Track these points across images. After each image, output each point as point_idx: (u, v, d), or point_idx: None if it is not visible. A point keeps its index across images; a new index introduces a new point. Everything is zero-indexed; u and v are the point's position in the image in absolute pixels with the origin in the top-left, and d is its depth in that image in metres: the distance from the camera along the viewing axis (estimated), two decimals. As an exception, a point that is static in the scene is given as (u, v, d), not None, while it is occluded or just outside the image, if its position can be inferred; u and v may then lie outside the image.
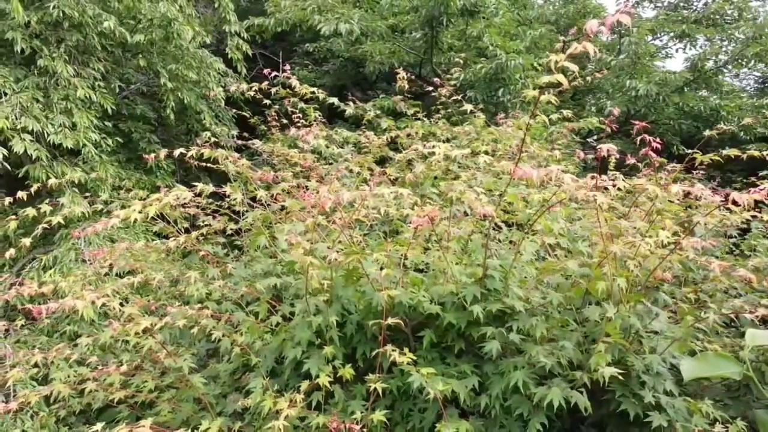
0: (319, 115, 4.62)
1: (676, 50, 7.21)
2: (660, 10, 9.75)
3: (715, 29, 7.47)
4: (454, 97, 4.20)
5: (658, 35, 7.73)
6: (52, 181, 2.90)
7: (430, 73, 6.56)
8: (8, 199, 2.77)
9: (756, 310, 1.80)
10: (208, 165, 3.28)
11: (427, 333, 1.73)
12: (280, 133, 5.57)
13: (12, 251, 2.70)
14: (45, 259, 4.85)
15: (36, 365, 2.74)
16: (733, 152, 2.21)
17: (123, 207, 2.77)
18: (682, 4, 9.75)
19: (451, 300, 1.69)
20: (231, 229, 3.10)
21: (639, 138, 1.97)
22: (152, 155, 2.62)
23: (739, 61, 6.11)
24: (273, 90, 4.04)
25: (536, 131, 4.17)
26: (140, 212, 1.72)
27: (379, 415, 1.56)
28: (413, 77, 4.73)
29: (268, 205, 2.92)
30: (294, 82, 3.36)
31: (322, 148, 3.56)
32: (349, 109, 5.15)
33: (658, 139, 2.19)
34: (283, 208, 2.98)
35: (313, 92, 3.29)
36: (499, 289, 1.67)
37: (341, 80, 8.64)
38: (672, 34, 6.98)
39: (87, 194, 5.33)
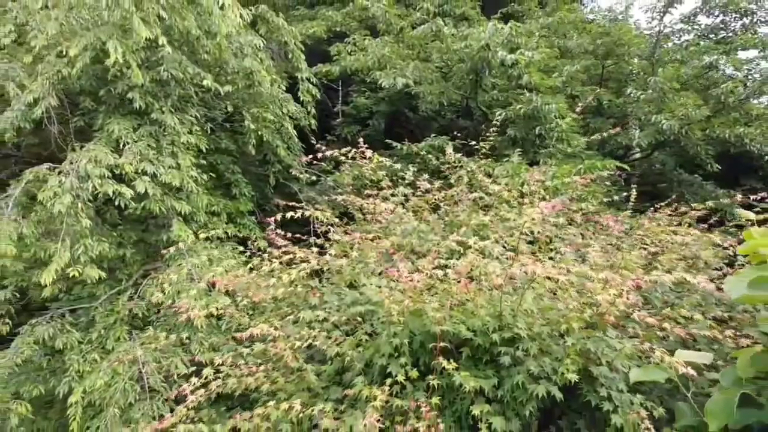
0: (381, 162, 5.65)
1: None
2: (697, 32, 10.46)
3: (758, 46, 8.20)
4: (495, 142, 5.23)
5: (691, 61, 8.48)
6: (182, 232, 4.08)
7: (476, 108, 7.56)
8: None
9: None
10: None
11: (465, 349, 2.78)
12: (348, 166, 6.69)
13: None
14: (162, 276, 6.10)
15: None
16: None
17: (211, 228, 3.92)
18: (720, 25, 10.43)
19: (480, 329, 2.73)
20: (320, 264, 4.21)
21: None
22: (273, 218, 3.73)
23: (759, 92, 6.85)
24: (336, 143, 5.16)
25: (560, 179, 5.11)
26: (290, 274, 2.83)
27: (435, 400, 2.62)
28: (459, 114, 5.77)
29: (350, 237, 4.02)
30: (368, 153, 4.43)
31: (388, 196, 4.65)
32: (405, 148, 6.25)
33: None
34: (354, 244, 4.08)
35: (380, 161, 4.34)
36: (510, 323, 2.69)
37: (395, 106, 9.70)
38: (701, 65, 7.74)
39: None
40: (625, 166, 6.25)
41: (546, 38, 9.00)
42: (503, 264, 2.72)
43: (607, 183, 6.69)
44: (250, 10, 8.05)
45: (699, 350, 3.11)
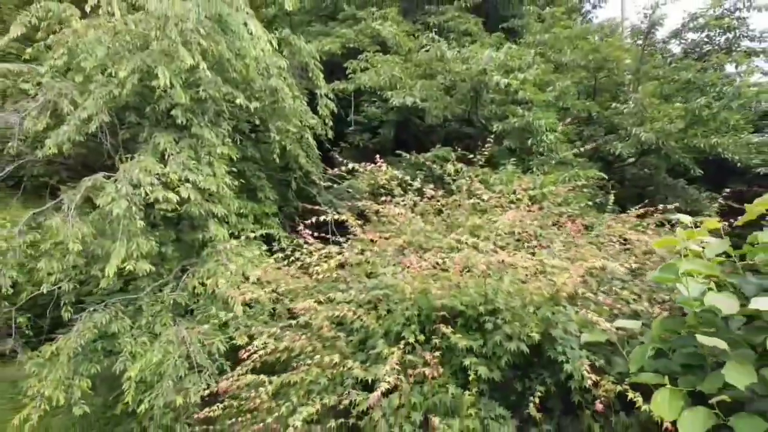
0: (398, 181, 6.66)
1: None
2: (684, 47, 11.45)
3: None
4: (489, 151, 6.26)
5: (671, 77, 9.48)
6: (219, 232, 5.14)
7: (476, 121, 8.58)
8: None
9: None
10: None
11: (459, 319, 3.81)
12: (364, 173, 7.69)
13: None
14: (203, 270, 7.13)
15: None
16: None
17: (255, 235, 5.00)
18: (705, 39, 11.40)
19: (470, 304, 3.76)
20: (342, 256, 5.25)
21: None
22: (309, 221, 4.77)
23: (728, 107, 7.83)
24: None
25: (545, 187, 6.12)
26: (328, 264, 3.86)
27: (437, 354, 3.66)
28: (463, 123, 6.78)
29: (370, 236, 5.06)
30: (383, 167, 5.45)
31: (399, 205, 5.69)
32: (412, 157, 7.27)
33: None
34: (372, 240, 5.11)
35: (395, 175, 5.37)
36: (492, 299, 3.72)
37: (404, 115, 10.73)
38: (681, 81, 8.75)
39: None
40: (603, 175, 7.27)
41: (542, 55, 10.00)
42: (486, 256, 3.74)
43: (592, 188, 7.71)
44: (275, 34, 9.09)
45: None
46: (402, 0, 11.78)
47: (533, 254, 4.48)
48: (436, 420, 3.31)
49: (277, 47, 8.98)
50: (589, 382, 3.27)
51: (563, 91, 8.73)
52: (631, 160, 9.32)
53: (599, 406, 3.31)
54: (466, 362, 3.56)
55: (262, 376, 4.01)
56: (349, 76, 9.18)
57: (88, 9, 8.62)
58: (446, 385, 3.58)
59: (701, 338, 2.86)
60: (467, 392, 3.52)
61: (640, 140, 7.76)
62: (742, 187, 11.07)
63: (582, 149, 7.60)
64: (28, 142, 8.29)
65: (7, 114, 8.23)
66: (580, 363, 3.43)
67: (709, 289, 3.18)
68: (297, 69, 9.06)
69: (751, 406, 2.85)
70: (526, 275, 3.90)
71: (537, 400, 3.46)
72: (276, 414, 3.82)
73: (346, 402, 3.62)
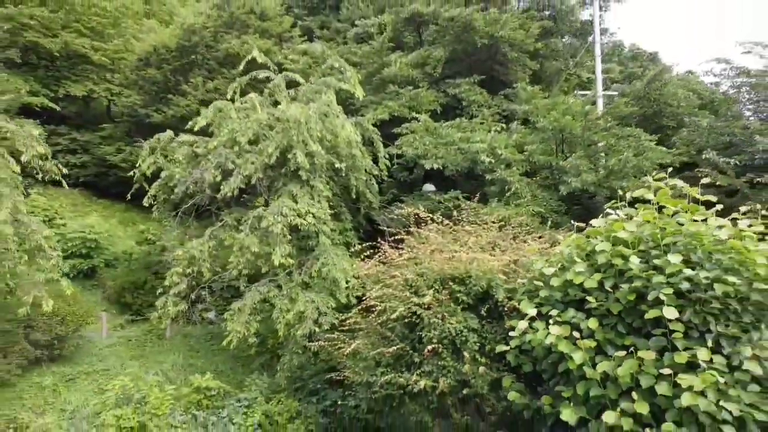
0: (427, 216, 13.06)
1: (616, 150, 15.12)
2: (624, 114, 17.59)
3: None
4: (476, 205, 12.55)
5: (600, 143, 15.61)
6: (326, 241, 11.54)
7: (476, 171, 14.87)
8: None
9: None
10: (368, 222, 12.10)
11: (457, 279, 10.10)
12: (407, 203, 14.06)
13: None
14: (318, 263, 13.56)
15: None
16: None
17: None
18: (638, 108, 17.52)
19: (461, 273, 10.03)
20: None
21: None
22: (386, 239, 11.07)
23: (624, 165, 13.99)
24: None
25: (513, 215, 12.35)
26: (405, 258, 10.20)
27: (447, 293, 9.95)
28: (468, 172, 13.13)
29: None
30: (420, 207, 11.77)
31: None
32: (436, 196, 13.65)
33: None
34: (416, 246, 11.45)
35: (430, 215, 11.68)
36: (470, 272, 9.99)
37: (431, 158, 17.05)
38: (604, 147, 14.92)
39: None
40: (542, 210, 13.54)
41: (525, 120, 16.20)
42: (469, 254, 10.03)
43: (549, 214, 13.94)
44: (349, 117, 15.52)
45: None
46: (430, 76, 18.13)
47: (491, 254, 10.78)
48: (446, 315, 9.60)
49: (353, 127, 15.36)
50: (506, 302, 9.53)
51: (532, 151, 14.93)
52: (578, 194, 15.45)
53: (507, 310, 9.56)
54: (459, 296, 9.82)
55: (375, 302, 10.31)
56: (396, 143, 15.61)
57: (229, 96, 15.22)
58: (450, 305, 9.84)
59: (535, 282, 9.10)
60: (459, 307, 9.80)
61: (571, 186, 13.97)
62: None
63: (540, 190, 13.86)
64: (198, 186, 14.86)
65: (195, 171, 14.84)
66: (502, 296, 9.67)
67: (546, 266, 9.38)
68: (366, 140, 15.45)
69: (563, 308, 9.03)
70: (489, 263, 10.18)
71: (485, 309, 9.73)
72: (379, 320, 10.14)
73: (411, 312, 9.89)
